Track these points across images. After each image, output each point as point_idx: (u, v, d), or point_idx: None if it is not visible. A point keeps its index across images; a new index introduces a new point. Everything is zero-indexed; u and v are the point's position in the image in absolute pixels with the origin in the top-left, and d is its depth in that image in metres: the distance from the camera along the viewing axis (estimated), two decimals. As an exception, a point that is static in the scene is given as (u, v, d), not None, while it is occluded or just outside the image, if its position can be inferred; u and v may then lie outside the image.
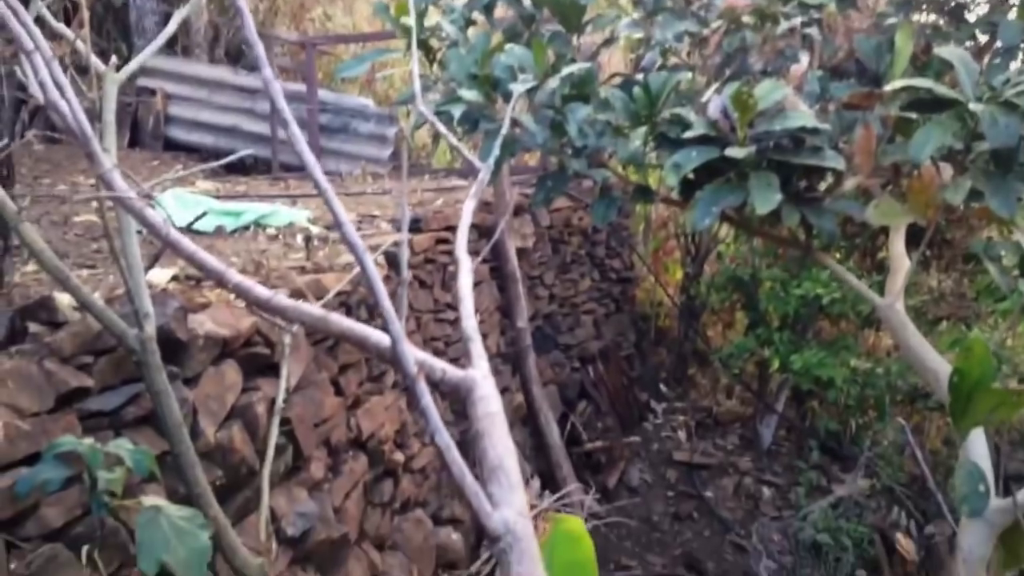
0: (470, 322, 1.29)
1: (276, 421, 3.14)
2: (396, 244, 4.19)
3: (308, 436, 3.51)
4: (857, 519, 6.98)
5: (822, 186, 2.80)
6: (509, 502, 1.00)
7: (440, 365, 1.23)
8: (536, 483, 6.56)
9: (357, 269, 4.02)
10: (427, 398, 1.09)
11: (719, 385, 9.75)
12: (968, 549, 1.93)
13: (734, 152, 2.35)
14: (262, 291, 1.29)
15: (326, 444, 3.74)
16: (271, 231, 4.78)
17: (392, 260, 4.66)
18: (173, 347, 2.68)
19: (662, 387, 9.63)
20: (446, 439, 1.04)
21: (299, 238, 4.54)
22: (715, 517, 7.33)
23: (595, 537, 3.54)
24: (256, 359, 3.22)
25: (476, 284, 6.19)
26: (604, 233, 8.72)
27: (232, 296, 3.35)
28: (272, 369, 3.35)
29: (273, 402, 3.18)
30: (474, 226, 6.06)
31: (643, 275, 10.02)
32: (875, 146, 2.49)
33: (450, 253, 5.76)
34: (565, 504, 6.05)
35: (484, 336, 6.45)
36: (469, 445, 1.19)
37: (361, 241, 1.15)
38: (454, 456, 1.03)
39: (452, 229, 5.78)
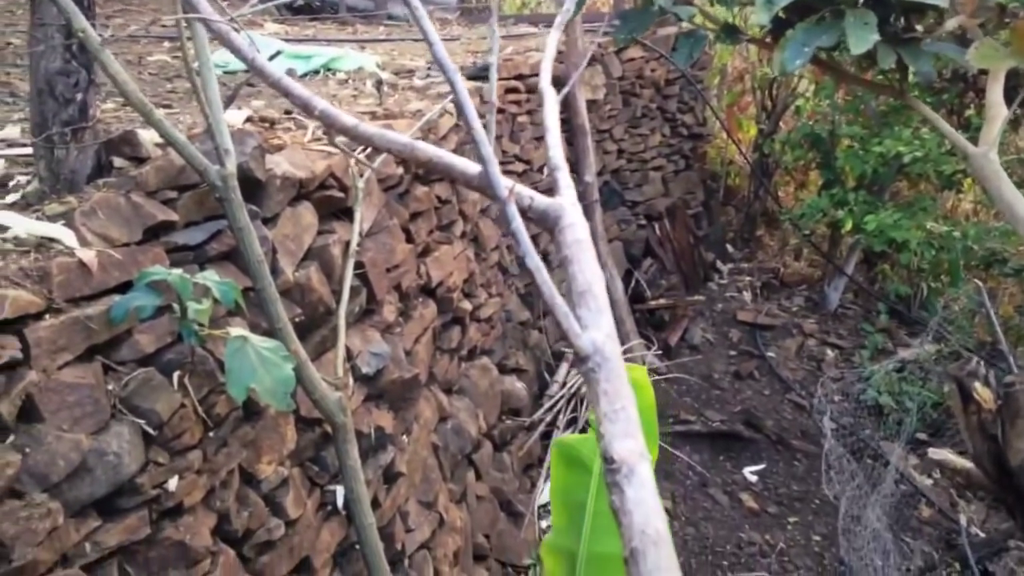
0: (557, 151, 1.26)
1: (351, 263, 3.21)
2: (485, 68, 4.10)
3: (380, 280, 3.58)
4: (921, 383, 6.96)
5: (919, 27, 2.63)
6: (597, 324, 1.00)
7: (528, 192, 1.21)
8: (600, 337, 6.64)
9: (427, 115, 3.98)
10: (518, 221, 1.08)
11: (787, 246, 9.61)
12: (1051, 399, 1.91)
13: (830, -12, 2.21)
14: (348, 119, 1.28)
15: (397, 289, 3.82)
16: (340, 75, 4.73)
17: (459, 109, 4.59)
18: (251, 186, 2.71)
19: (729, 247, 9.53)
20: (536, 261, 1.04)
21: (369, 83, 4.49)
22: (776, 377, 7.37)
23: (656, 392, 3.61)
24: (331, 202, 3.26)
25: (542, 138, 6.09)
26: (677, 86, 8.44)
27: (306, 139, 3.36)
28: (346, 213, 3.39)
29: (348, 245, 3.24)
30: (544, 76, 5.91)
31: (715, 131, 9.74)
32: (984, -17, 2.31)
33: (519, 103, 5.65)
34: (627, 359, 6.15)
35: (550, 191, 6.40)
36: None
37: (452, 63, 1.12)
38: (544, 278, 1.03)
39: (521, 78, 5.64)
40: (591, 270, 1.04)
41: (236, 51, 1.32)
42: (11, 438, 1.85)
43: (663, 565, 0.82)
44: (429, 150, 1.24)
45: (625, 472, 0.89)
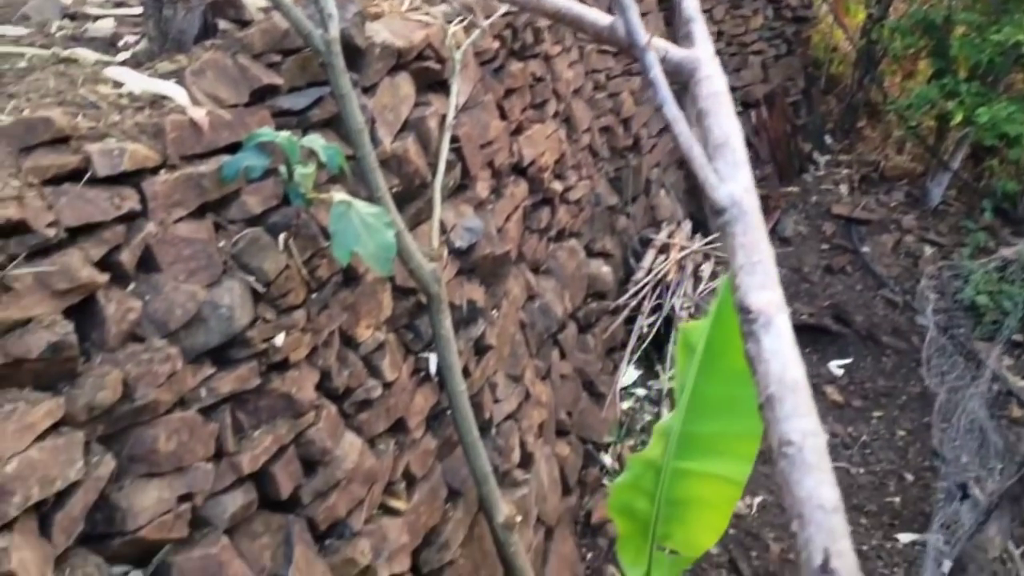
0: (692, 2, 1.20)
1: (447, 136, 3.19)
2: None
3: (475, 156, 3.56)
4: (1023, 283, 6.69)
5: None
6: (735, 177, 0.97)
7: (663, 44, 1.16)
8: (688, 225, 6.55)
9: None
10: (656, 69, 1.04)
11: (890, 139, 9.18)
12: None
13: None
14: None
15: (490, 166, 3.80)
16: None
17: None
18: (352, 54, 2.69)
19: (827, 138, 9.16)
20: (675, 111, 1.00)
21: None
22: (869, 272, 7.18)
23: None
24: (428, 74, 3.22)
25: (643, 15, 5.87)
26: (783, -36, 7.98)
27: (404, 8, 3.31)
28: (442, 86, 3.35)
29: (444, 118, 3.22)
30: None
31: (821, 15, 9.22)
32: None
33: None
34: (715, 248, 6.05)
35: (646, 71, 6.21)
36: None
37: None
38: (682, 128, 0.99)
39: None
40: (728, 123, 1.00)
41: None
42: (132, 286, 1.93)
43: (801, 411, 0.81)
44: (557, 1, 1.19)
45: (762, 322, 0.88)
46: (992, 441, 4.90)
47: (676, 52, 1.15)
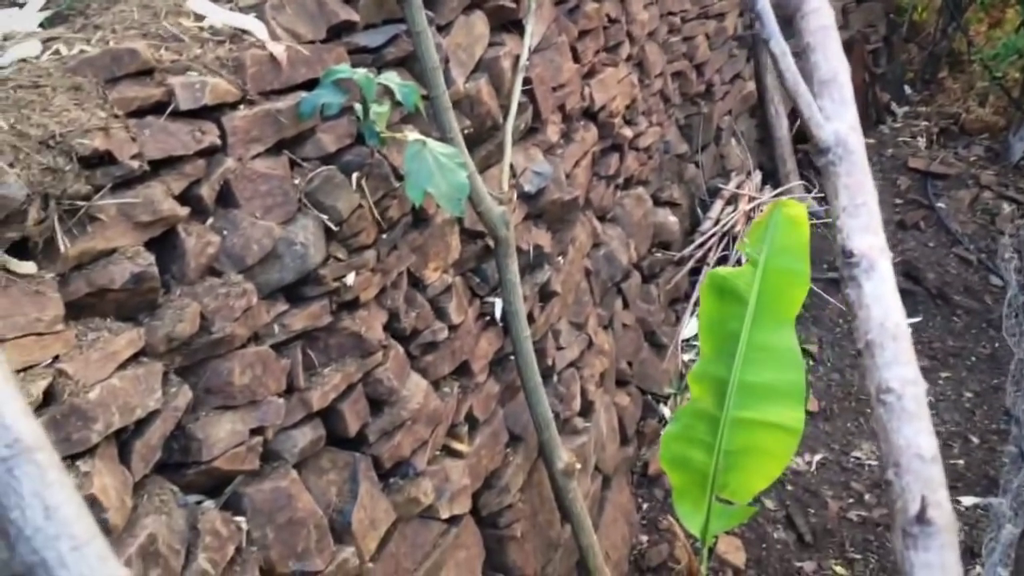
0: (796, -68, 1.13)
1: (520, 78, 3.14)
2: None
3: (546, 98, 3.51)
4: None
5: None
6: (841, 116, 0.92)
7: (766, -26, 1.10)
8: (758, 176, 6.41)
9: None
10: (764, 0, 0.98)
11: (972, 91, 8.80)
12: None
13: None
14: None
15: (561, 110, 3.74)
16: None
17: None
18: (427, -10, 2.65)
19: (907, 88, 8.82)
20: (782, 45, 0.95)
21: None
22: (944, 229, 6.94)
23: (812, 236, 3.46)
24: (502, 12, 3.16)
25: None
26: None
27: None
28: (516, 25, 3.29)
29: (517, 59, 3.16)
30: None
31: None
32: None
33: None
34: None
35: (722, 15, 6.03)
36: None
37: None
38: (788, 63, 0.95)
39: None
40: (837, 59, 0.95)
41: None
42: (210, 220, 1.95)
43: (902, 359, 0.78)
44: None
45: (865, 266, 0.85)
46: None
47: (781, -12, 1.10)
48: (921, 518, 0.75)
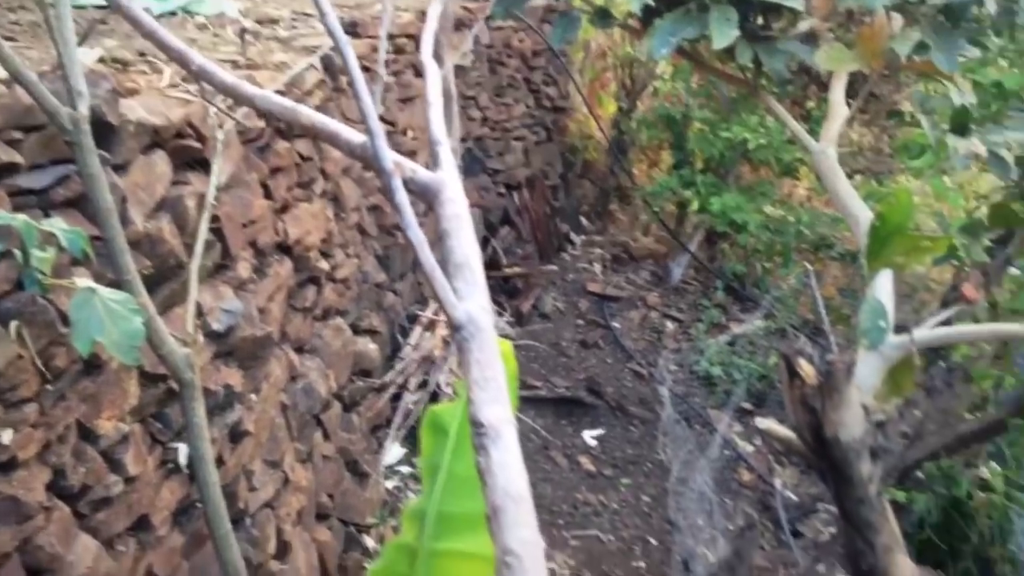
0: (438, 126, 1.29)
1: (206, 216, 3.11)
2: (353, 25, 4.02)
3: (236, 235, 3.49)
4: (750, 356, 7.44)
5: (776, 26, 2.80)
6: (472, 296, 1.04)
7: (411, 165, 1.23)
8: (453, 301, 6.71)
9: (293, 70, 3.88)
10: (402, 194, 1.10)
11: (638, 222, 9.97)
12: (862, 378, 2.13)
13: (697, -17, 2.32)
14: (228, 76, 1.26)
15: (253, 245, 3.73)
16: (200, 20, 4.52)
17: (328, 65, 4.50)
18: (103, 131, 2.58)
19: (583, 219, 9.79)
20: (419, 235, 1.07)
21: (230, 31, 4.32)
22: (619, 346, 7.68)
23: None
24: (187, 152, 3.14)
25: (409, 99, 6.06)
26: (543, 58, 8.55)
27: (163, 84, 3.22)
28: (202, 164, 3.27)
29: (203, 197, 3.14)
30: (410, 37, 5.86)
31: (577, 105, 9.94)
32: (834, -9, 2.49)
33: (386, 63, 5.57)
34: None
35: (414, 153, 6.38)
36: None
37: (343, 32, 1.12)
38: (425, 252, 1.06)
39: (392, 37, 5.57)
40: (469, 244, 1.08)
41: (106, -7, 1.27)
42: None
43: (522, 521, 0.89)
44: (313, 116, 1.24)
45: (492, 436, 0.95)
46: (714, 511, 5.35)
47: (423, 174, 1.23)
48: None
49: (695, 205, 8.25)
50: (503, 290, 7.70)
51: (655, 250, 9.44)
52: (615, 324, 7.94)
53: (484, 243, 7.62)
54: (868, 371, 2.14)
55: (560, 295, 8.17)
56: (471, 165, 7.47)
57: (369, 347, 5.35)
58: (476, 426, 0.98)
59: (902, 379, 2.25)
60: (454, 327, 1.03)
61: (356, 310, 5.40)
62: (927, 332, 2.22)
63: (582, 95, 9.67)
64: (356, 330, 5.34)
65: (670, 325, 8.18)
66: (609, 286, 8.44)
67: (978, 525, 5.93)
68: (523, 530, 0.90)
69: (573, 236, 9.28)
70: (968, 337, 2.41)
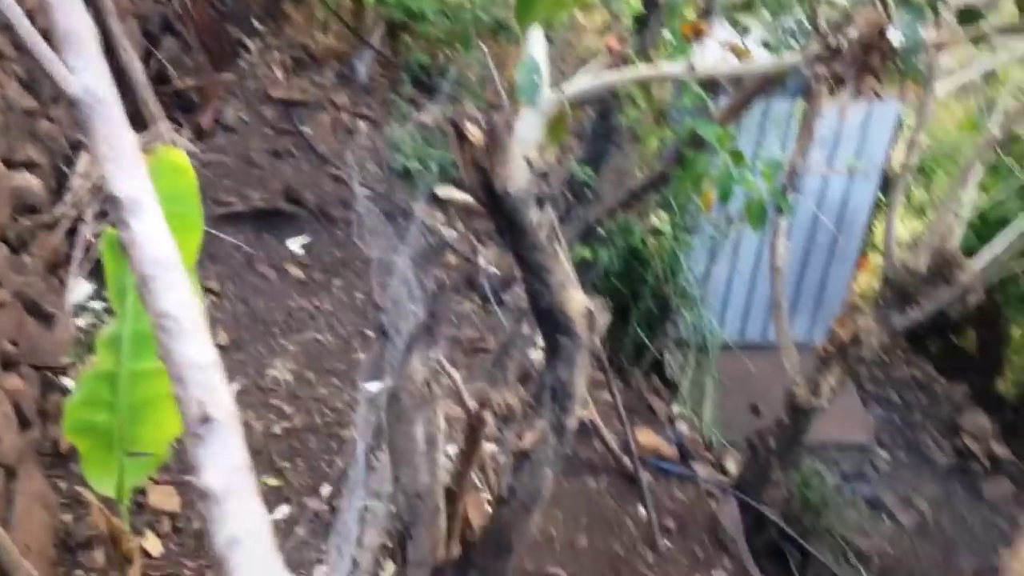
0: None
1: None
2: None
3: None
4: (443, 145, 7.63)
5: None
6: (88, 68, 0.97)
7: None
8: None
9: None
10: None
11: (315, 20, 9.51)
12: (523, 133, 2.28)
13: None
14: None
15: None
16: None
17: None
18: None
19: (255, 22, 9.16)
20: (17, 9, 0.96)
21: None
22: (313, 152, 7.53)
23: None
24: None
25: None
26: None
27: None
28: None
29: None
30: None
31: None
32: None
33: None
34: (157, 144, 5.82)
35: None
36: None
37: None
38: (24, 24, 0.96)
39: None
40: (76, 15, 0.99)
41: None
42: None
43: (175, 285, 0.89)
44: None
45: (132, 208, 0.92)
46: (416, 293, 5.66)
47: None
48: (205, 418, 0.87)
49: (371, -4, 8.02)
50: (178, 106, 7.15)
51: (337, 49, 9.12)
52: (305, 129, 7.73)
53: (146, 56, 6.94)
54: (527, 127, 2.29)
55: (243, 105, 7.75)
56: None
57: (30, 181, 4.83)
58: (114, 202, 0.95)
59: (558, 130, 2.45)
60: (71, 103, 0.97)
61: (6, 140, 4.80)
62: (576, 84, 2.40)
63: None
64: (10, 164, 4.77)
65: (363, 125, 8.11)
66: (294, 91, 8.12)
67: (653, 268, 6.79)
68: (176, 293, 0.91)
69: (247, 41, 8.69)
70: (614, 83, 2.62)
